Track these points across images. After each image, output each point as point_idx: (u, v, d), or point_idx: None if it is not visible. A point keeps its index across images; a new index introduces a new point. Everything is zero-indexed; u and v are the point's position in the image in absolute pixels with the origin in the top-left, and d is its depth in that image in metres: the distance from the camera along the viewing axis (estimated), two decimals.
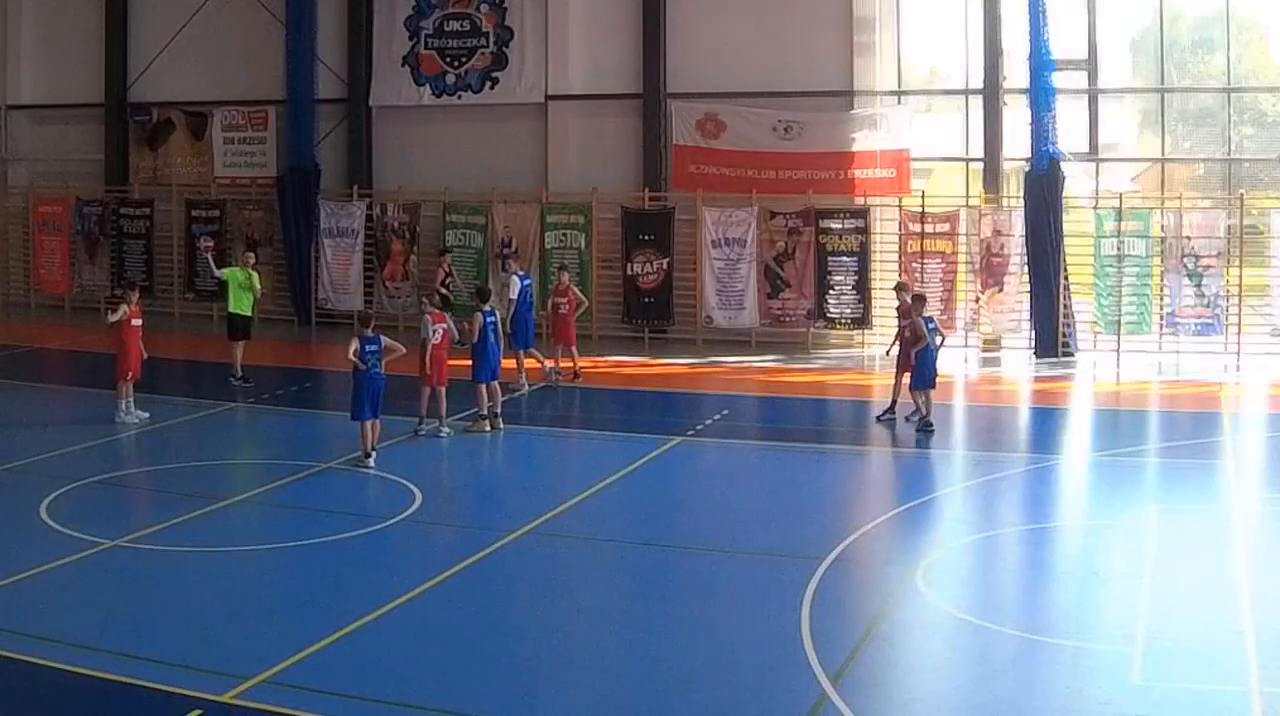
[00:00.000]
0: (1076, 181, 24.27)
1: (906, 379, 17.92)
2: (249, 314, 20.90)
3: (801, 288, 24.62)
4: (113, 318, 18.12)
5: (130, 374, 17.93)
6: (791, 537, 13.10)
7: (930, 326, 17.81)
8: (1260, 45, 25.62)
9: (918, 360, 17.58)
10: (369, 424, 15.67)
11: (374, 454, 15.69)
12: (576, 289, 22.08)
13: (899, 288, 19.16)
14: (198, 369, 21.57)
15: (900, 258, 24.06)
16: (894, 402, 18.20)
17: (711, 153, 25.44)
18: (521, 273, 21.15)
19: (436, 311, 17.45)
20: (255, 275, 21.03)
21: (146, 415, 17.88)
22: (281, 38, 27.23)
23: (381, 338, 16.02)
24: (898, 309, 18.61)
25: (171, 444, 17.12)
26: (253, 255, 22.12)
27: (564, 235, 25.70)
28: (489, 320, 17.66)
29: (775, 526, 13.58)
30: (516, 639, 10.60)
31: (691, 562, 12.61)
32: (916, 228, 23.88)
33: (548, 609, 11.37)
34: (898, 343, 18.16)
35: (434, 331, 17.14)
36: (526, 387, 20.12)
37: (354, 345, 15.72)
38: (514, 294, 20.36)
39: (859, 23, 24.94)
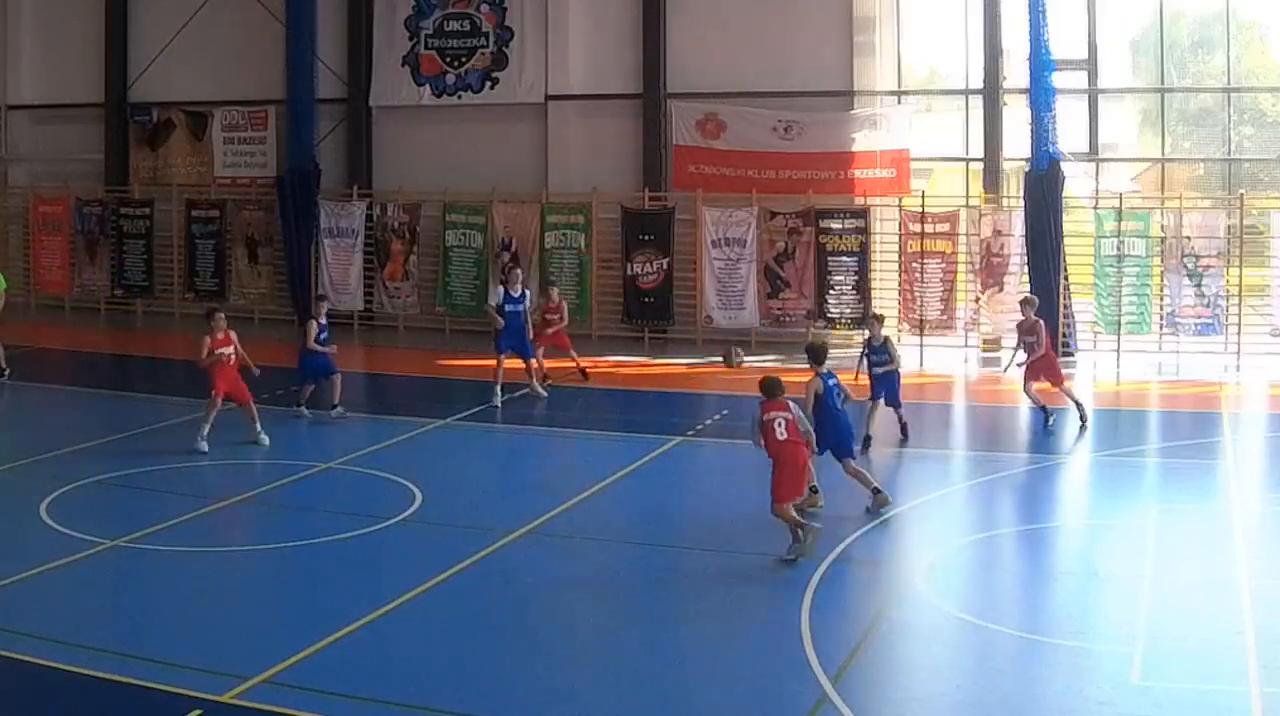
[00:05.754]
0: (1076, 181, 24.26)
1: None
2: None
3: (801, 287, 24.61)
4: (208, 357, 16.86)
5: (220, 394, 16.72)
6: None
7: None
8: (1260, 45, 25.62)
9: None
10: (309, 387, 18.53)
11: (305, 410, 18.43)
12: (566, 305, 21.67)
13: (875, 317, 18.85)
14: (196, 368, 21.49)
15: (900, 258, 24.06)
16: (1079, 403, 17.94)
17: (711, 153, 25.43)
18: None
19: None
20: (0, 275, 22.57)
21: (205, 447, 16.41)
22: (281, 38, 27.20)
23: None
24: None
25: (172, 444, 17.10)
26: None
27: (564, 235, 25.72)
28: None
29: (775, 526, 13.56)
30: (517, 639, 10.61)
31: (691, 562, 12.61)
32: (916, 228, 23.87)
33: (547, 609, 11.38)
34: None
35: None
36: (499, 393, 19.79)
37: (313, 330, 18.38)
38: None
39: (859, 23, 24.94)
